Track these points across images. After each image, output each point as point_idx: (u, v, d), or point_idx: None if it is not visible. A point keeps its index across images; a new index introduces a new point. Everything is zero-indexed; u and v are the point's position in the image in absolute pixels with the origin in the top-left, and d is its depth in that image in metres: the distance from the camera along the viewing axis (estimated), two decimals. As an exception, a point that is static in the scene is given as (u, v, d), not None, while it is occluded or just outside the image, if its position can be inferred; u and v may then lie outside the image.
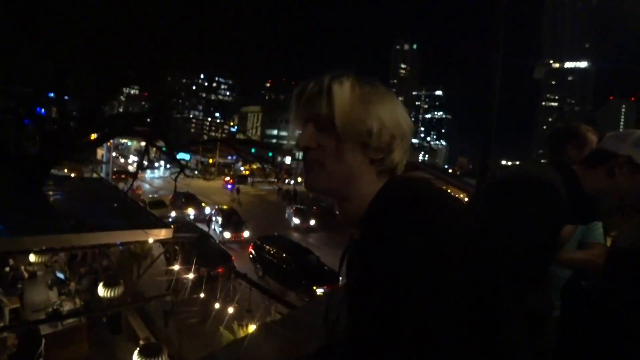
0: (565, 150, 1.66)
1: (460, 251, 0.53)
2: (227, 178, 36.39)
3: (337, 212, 0.74)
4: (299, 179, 41.41)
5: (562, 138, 1.71)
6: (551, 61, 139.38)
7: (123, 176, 27.54)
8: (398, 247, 0.54)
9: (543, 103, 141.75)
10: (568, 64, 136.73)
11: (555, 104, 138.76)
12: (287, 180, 39.97)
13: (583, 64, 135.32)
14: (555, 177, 1.04)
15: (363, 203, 0.66)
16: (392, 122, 0.64)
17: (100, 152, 27.09)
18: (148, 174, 38.59)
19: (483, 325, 0.52)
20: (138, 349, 4.53)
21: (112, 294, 5.72)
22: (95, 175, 15.32)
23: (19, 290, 6.64)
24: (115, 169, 28.58)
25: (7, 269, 7.16)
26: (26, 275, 7.04)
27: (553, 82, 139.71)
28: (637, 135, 1.04)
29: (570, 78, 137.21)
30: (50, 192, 6.81)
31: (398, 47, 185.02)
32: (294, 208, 21.90)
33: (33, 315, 6.12)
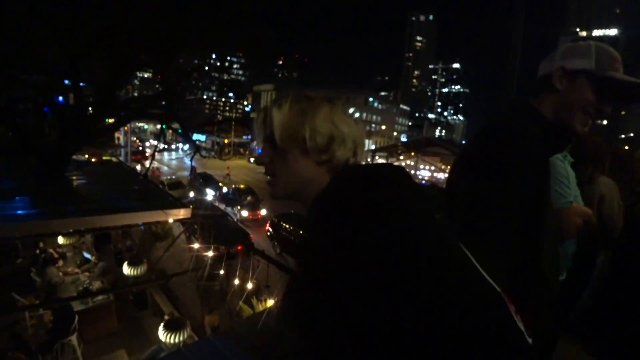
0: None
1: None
2: None
3: None
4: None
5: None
6: (577, 29, 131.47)
7: (140, 156, 28.41)
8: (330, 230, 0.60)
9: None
10: (596, 32, 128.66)
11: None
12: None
13: (613, 32, 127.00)
14: (517, 119, 1.07)
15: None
16: (325, 127, 0.72)
17: (119, 136, 27.65)
18: (166, 156, 39.34)
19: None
20: (163, 323, 4.75)
21: (137, 272, 5.97)
22: (114, 159, 15.70)
23: (50, 270, 6.99)
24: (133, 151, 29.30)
25: (38, 251, 7.54)
26: (56, 256, 7.39)
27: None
28: (561, 49, 1.09)
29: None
30: (73, 177, 7.02)
31: (413, 18, 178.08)
32: None
33: (65, 294, 6.47)
